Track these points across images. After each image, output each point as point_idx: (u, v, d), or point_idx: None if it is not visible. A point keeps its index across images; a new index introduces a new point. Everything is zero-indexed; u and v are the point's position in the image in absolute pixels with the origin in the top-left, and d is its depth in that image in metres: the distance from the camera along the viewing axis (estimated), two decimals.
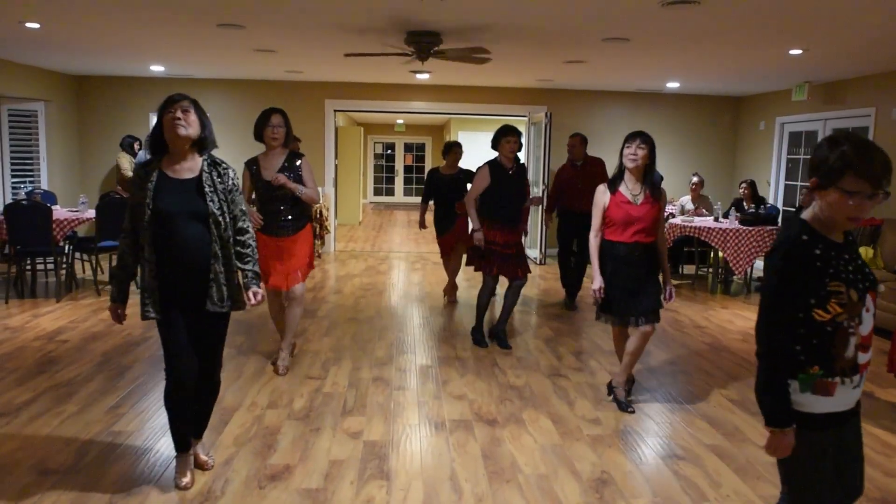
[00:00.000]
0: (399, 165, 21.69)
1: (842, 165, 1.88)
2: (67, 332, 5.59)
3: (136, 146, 9.49)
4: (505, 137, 5.22)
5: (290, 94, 10.06)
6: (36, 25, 5.98)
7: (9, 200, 8.10)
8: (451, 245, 6.93)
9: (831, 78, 8.10)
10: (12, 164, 8.74)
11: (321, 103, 10.12)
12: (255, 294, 3.11)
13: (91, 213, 7.05)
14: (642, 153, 3.97)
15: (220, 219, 2.98)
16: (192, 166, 3.00)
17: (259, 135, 4.66)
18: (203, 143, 3.01)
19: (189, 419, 3.13)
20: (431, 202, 7.03)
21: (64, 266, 7.08)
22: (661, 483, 3.28)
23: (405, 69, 8.10)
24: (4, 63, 8.19)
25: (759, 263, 8.31)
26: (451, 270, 7.13)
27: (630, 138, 4.03)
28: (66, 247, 7.10)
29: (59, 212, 7.18)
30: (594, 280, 4.12)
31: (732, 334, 6.06)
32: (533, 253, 9.92)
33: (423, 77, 9.04)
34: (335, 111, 10.32)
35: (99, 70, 9.27)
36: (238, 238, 3.09)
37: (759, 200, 8.25)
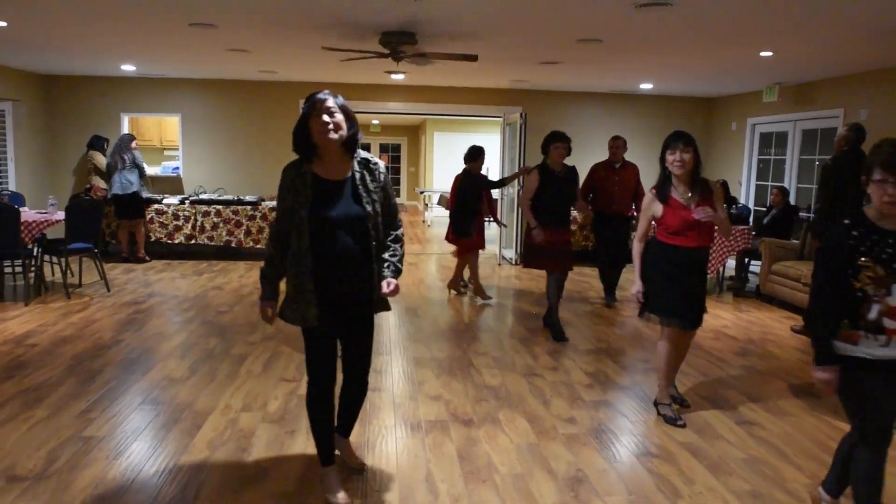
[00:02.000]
0: None
1: (871, 163, 2.40)
2: (36, 336, 5.49)
3: (105, 146, 9.36)
4: (553, 144, 5.61)
5: (263, 94, 9.99)
6: (3, 24, 5.87)
7: None
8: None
9: (801, 80, 8.24)
10: None
11: (296, 104, 10.04)
12: (388, 283, 2.86)
13: (60, 215, 6.94)
14: (688, 157, 3.86)
15: (377, 219, 2.88)
16: (343, 168, 2.87)
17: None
18: (352, 143, 2.86)
19: (332, 430, 3.10)
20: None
21: (33, 269, 6.96)
22: (635, 481, 3.30)
23: (380, 70, 8.08)
24: None
25: (732, 262, 8.42)
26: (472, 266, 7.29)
27: (672, 143, 3.89)
28: (35, 249, 6.98)
29: (28, 213, 7.05)
30: (635, 284, 4.08)
31: (705, 332, 6.12)
32: (508, 253, 9.96)
33: (398, 78, 9.03)
34: None
35: (68, 69, 9.12)
36: (390, 232, 2.98)
37: (731, 200, 8.36)
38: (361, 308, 2.97)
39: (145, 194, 9.15)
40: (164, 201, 9.30)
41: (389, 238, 2.96)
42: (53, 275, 7.85)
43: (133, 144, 8.86)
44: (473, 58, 6.09)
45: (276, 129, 9.99)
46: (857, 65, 7.04)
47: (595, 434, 3.86)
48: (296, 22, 5.61)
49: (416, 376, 4.78)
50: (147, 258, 9.09)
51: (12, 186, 8.91)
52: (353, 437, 3.70)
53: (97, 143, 9.35)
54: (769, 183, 9.23)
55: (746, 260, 8.09)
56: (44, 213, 7.14)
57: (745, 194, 9.68)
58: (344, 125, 2.79)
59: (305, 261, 2.81)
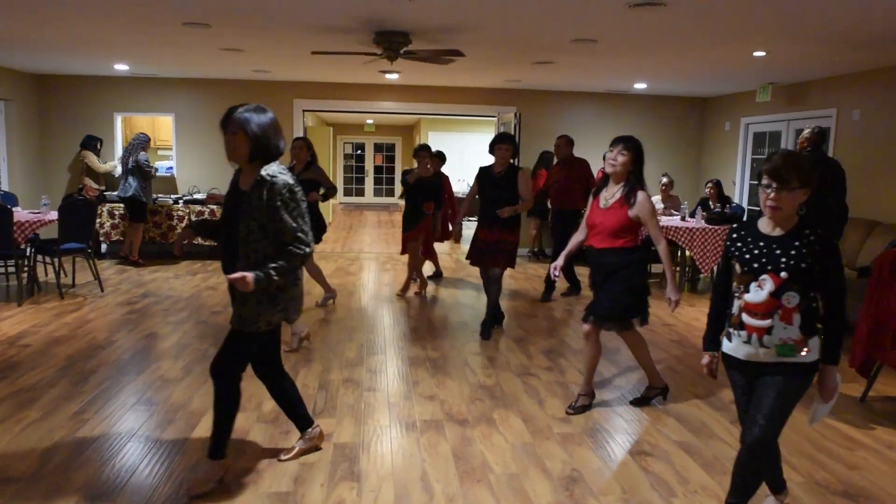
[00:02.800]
0: (369, 166, 21.61)
1: (761, 169, 2.51)
2: (29, 337, 5.47)
3: (99, 146, 9.31)
4: (497, 145, 5.58)
5: (257, 93, 9.96)
6: None
7: None
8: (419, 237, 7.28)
9: (794, 79, 8.26)
10: None
11: (289, 103, 10.05)
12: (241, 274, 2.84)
13: (53, 215, 6.90)
14: (622, 160, 3.95)
15: (247, 237, 2.92)
16: (252, 180, 2.95)
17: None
18: (258, 156, 2.95)
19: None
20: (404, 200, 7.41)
21: (26, 269, 6.93)
22: (629, 480, 3.31)
23: (374, 69, 8.07)
24: None
25: None
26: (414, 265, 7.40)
27: (612, 144, 4.06)
28: (28, 249, 6.95)
29: (21, 213, 7.01)
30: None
31: (699, 332, 6.14)
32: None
33: (392, 77, 9.02)
34: (304, 111, 10.25)
35: (61, 69, 9.08)
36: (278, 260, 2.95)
37: (725, 200, 8.38)
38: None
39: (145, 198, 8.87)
40: (158, 201, 9.27)
41: (272, 266, 2.89)
42: (46, 275, 7.82)
43: (143, 147, 8.66)
44: (459, 53, 6.08)
45: None
46: (849, 65, 7.06)
47: (590, 433, 3.86)
48: (289, 21, 5.60)
49: (410, 376, 4.78)
50: (141, 261, 8.98)
51: (5, 186, 8.86)
52: (347, 437, 3.71)
53: (90, 143, 9.31)
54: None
55: None
56: (37, 212, 7.10)
57: (739, 194, 9.71)
58: (241, 145, 2.89)
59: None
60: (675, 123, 10.71)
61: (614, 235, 3.97)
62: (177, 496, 3.03)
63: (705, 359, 2.83)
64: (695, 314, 6.86)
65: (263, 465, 3.37)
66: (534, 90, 10.29)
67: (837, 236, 6.23)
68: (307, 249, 2.94)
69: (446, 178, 7.88)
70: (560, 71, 8.16)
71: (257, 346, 3.15)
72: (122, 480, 3.16)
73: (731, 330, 2.64)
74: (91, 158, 9.11)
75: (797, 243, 2.48)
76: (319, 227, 6.36)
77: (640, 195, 3.96)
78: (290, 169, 5.95)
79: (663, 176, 8.97)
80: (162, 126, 11.34)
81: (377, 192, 21.60)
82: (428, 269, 8.37)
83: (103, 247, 9.41)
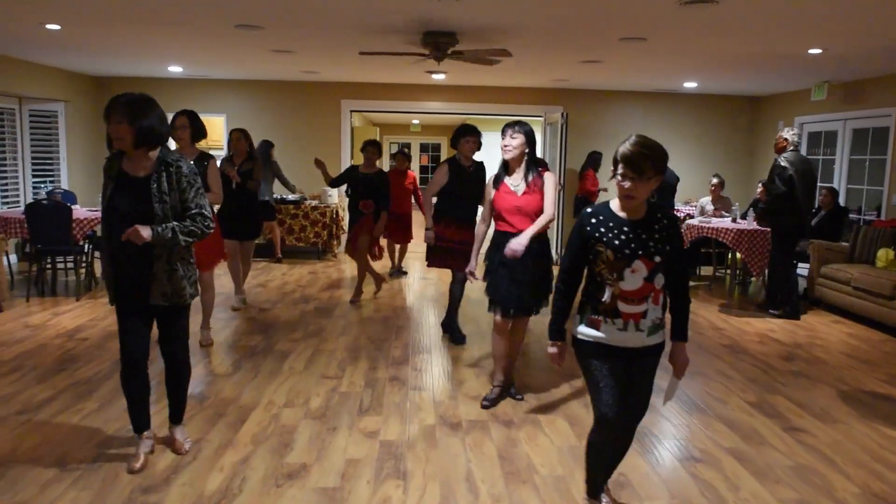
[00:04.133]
0: (415, 166, 21.69)
1: (616, 157, 2.49)
2: (87, 330, 5.65)
3: None
4: (464, 137, 5.17)
5: (306, 94, 10.11)
6: (56, 27, 6.05)
7: (30, 200, 8.19)
8: (357, 238, 6.90)
9: (851, 78, 8.02)
10: (33, 164, 8.84)
11: (337, 103, 10.16)
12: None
13: None
14: (517, 142, 4.01)
15: (165, 220, 3.08)
16: (144, 165, 3.12)
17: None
18: (143, 141, 3.05)
19: (145, 402, 3.38)
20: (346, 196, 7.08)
21: (83, 265, 7.15)
22: (678, 485, 3.26)
23: (421, 69, 8.11)
24: (25, 64, 8.29)
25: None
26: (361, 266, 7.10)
27: (502, 132, 4.07)
28: (86, 246, 7.18)
29: (79, 211, 7.25)
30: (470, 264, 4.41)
31: (750, 336, 6.01)
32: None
33: (438, 77, 9.05)
34: (351, 111, 10.35)
35: (118, 71, 9.35)
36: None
37: None
38: (143, 298, 3.17)
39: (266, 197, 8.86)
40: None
41: (177, 223, 3.11)
42: None
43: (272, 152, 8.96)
44: (507, 53, 6.04)
45: (317, 128, 10.10)
46: None
47: (637, 437, 3.79)
48: (339, 22, 5.66)
49: (455, 375, 4.79)
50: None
51: (64, 185, 9.17)
52: (392, 435, 3.73)
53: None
54: (818, 183, 9.00)
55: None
56: (94, 210, 7.33)
57: None
58: (126, 133, 2.98)
59: (104, 247, 3.16)
60: (726, 122, 10.49)
61: (533, 219, 4.04)
62: (227, 488, 3.10)
63: (553, 349, 2.76)
64: (746, 318, 6.71)
65: (310, 460, 3.42)
66: (581, 89, 10.20)
67: (806, 227, 6.73)
68: (212, 226, 3.20)
69: (388, 175, 7.18)
70: (608, 70, 8.08)
71: (186, 320, 3.38)
72: (174, 471, 3.25)
73: (597, 317, 2.58)
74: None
75: (657, 226, 2.54)
76: (258, 218, 6.48)
77: (548, 175, 4.10)
78: (229, 159, 6.13)
79: (714, 176, 8.80)
80: (213, 127, 11.58)
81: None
82: (380, 268, 8.14)
83: None
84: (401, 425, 3.88)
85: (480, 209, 4.61)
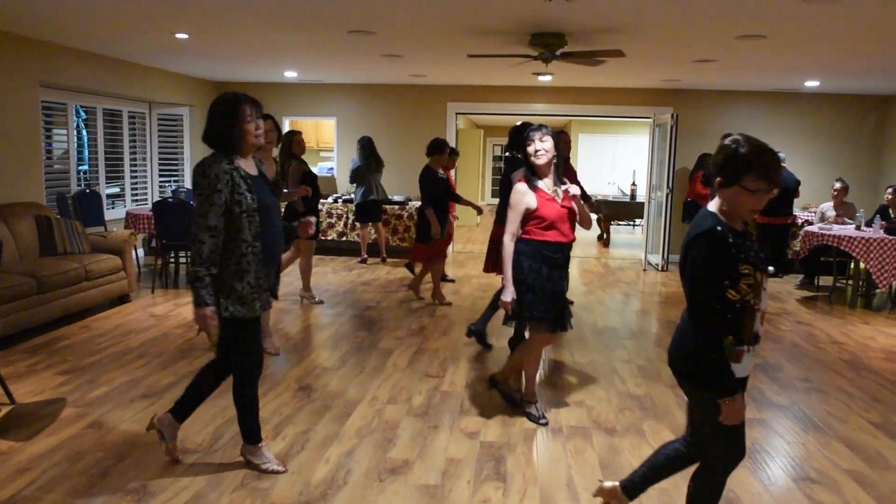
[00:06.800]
0: None
1: (745, 167, 2.17)
2: None
3: None
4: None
5: (413, 97, 10.28)
6: (185, 36, 6.45)
7: (157, 198, 8.77)
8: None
9: None
10: (160, 164, 9.46)
11: (443, 106, 10.28)
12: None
13: None
14: (550, 144, 3.75)
15: None
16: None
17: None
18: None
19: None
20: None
21: None
22: None
23: (527, 71, 8.08)
24: (155, 71, 8.88)
25: None
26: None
27: (531, 133, 3.78)
28: None
29: None
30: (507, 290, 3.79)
31: (874, 352, 5.62)
32: (654, 258, 9.63)
33: (545, 79, 8.99)
34: (457, 114, 10.45)
35: (237, 76, 9.85)
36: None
37: None
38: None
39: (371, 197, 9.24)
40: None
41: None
42: None
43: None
44: (620, 53, 5.92)
45: (423, 130, 10.24)
46: None
47: (748, 454, 3.64)
48: (448, 26, 5.73)
49: (557, 381, 4.75)
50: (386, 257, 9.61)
51: (188, 184, 9.75)
52: (493, 437, 3.75)
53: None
54: None
55: None
56: None
57: None
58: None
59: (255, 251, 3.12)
60: (851, 123, 9.85)
61: (574, 226, 3.91)
62: (332, 479, 3.21)
63: (737, 403, 2.23)
64: (869, 332, 6.28)
65: (412, 456, 3.48)
66: (692, 89, 9.86)
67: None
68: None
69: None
70: (722, 69, 7.76)
71: (229, 330, 3.26)
72: (286, 459, 3.39)
73: (741, 348, 2.25)
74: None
75: (753, 237, 2.37)
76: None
77: (570, 184, 3.87)
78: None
79: (837, 181, 8.29)
80: (324, 129, 12.00)
81: None
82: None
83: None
84: (501, 427, 3.89)
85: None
